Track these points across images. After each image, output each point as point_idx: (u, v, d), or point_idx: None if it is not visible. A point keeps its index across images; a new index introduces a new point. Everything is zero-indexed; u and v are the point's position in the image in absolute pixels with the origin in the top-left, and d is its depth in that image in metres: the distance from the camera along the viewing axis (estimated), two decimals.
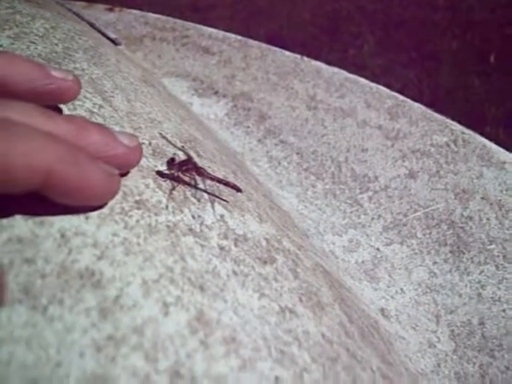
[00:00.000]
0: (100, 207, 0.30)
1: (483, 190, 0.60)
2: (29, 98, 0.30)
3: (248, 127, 0.67)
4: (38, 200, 0.27)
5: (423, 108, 0.71)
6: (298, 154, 0.64)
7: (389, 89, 0.75)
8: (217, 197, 0.37)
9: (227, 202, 0.38)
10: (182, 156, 0.38)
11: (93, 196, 0.28)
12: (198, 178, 0.37)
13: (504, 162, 0.64)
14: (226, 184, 0.39)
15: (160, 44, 0.80)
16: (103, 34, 0.69)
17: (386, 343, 0.44)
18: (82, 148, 0.28)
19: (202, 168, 0.37)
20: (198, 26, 0.84)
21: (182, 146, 0.41)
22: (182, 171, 0.36)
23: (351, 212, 0.58)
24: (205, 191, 0.37)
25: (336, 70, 0.76)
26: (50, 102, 0.32)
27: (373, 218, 0.58)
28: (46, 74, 0.31)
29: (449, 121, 0.69)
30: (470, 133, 0.67)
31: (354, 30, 2.55)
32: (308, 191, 0.60)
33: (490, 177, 0.62)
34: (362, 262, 0.53)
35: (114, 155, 0.30)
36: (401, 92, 0.75)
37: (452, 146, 0.66)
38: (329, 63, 0.79)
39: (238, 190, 0.40)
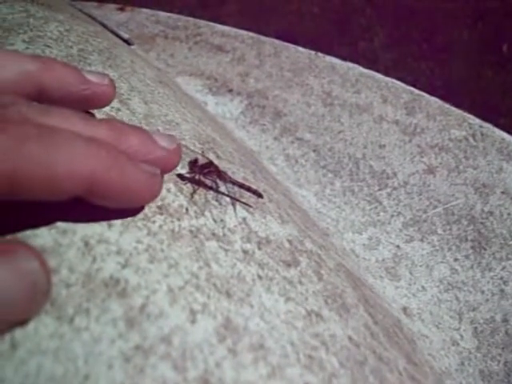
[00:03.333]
0: (141, 209, 0.30)
1: (503, 184, 0.60)
2: (64, 103, 0.30)
3: (264, 125, 0.66)
4: (60, 208, 0.27)
5: (440, 102, 0.70)
6: (314, 151, 0.63)
7: (401, 82, 0.75)
8: (239, 201, 0.37)
9: (251, 206, 0.38)
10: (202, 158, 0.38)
11: (135, 198, 0.28)
12: (220, 182, 0.36)
13: None
14: (248, 189, 0.38)
15: (173, 43, 0.79)
16: (116, 35, 0.69)
17: (410, 342, 0.44)
18: (122, 151, 0.28)
19: (223, 172, 0.37)
20: (211, 24, 0.83)
21: (202, 151, 0.41)
22: (204, 174, 0.35)
23: (370, 209, 0.58)
24: (227, 195, 0.36)
25: (351, 65, 0.76)
26: (85, 106, 0.32)
27: (392, 215, 0.57)
28: (82, 79, 0.31)
29: (466, 114, 0.68)
30: (488, 126, 0.66)
31: (363, 22, 2.53)
32: (326, 189, 0.59)
33: (510, 171, 0.61)
34: (383, 259, 0.53)
35: (153, 159, 0.29)
36: (413, 85, 0.74)
37: (470, 140, 0.65)
38: (340, 58, 0.78)
39: (259, 195, 0.39)
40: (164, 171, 0.31)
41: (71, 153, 0.24)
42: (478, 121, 0.67)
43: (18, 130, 0.23)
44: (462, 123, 0.67)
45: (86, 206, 0.27)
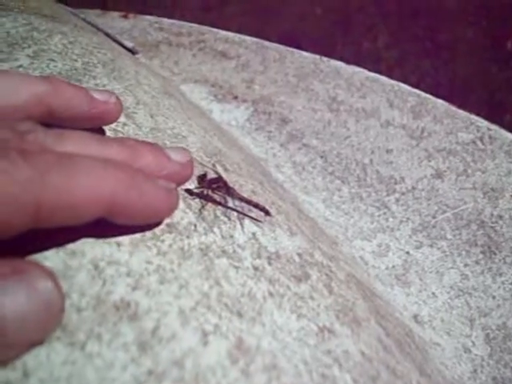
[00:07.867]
0: (160, 223, 0.30)
1: None
2: (72, 122, 0.30)
3: (270, 132, 0.66)
4: (68, 229, 0.27)
5: (446, 105, 0.69)
6: (321, 157, 0.63)
7: (405, 81, 0.74)
8: (248, 216, 0.37)
9: (261, 221, 0.37)
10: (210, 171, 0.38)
11: (155, 214, 0.29)
12: (229, 198, 0.36)
13: None
14: (256, 206, 0.38)
15: (176, 50, 0.79)
16: (120, 44, 0.69)
17: (422, 351, 0.43)
18: (138, 169, 0.28)
19: (232, 188, 0.37)
20: (214, 30, 0.83)
21: (213, 165, 0.40)
22: (212, 189, 0.35)
23: (379, 215, 0.57)
24: (236, 211, 0.36)
25: (356, 69, 0.75)
26: (93, 125, 0.32)
27: (401, 221, 0.57)
28: (90, 99, 0.31)
29: (474, 117, 0.68)
30: (496, 128, 0.66)
31: (367, 21, 2.52)
32: (334, 196, 0.59)
33: None
34: (393, 266, 0.53)
35: (167, 174, 0.30)
36: (417, 84, 0.74)
37: (478, 143, 0.64)
38: (343, 58, 0.78)
39: (267, 213, 0.38)
40: (178, 184, 0.31)
41: (90, 178, 0.24)
42: (485, 123, 0.67)
43: (39, 161, 0.23)
44: (469, 126, 0.67)
45: (95, 226, 0.27)
